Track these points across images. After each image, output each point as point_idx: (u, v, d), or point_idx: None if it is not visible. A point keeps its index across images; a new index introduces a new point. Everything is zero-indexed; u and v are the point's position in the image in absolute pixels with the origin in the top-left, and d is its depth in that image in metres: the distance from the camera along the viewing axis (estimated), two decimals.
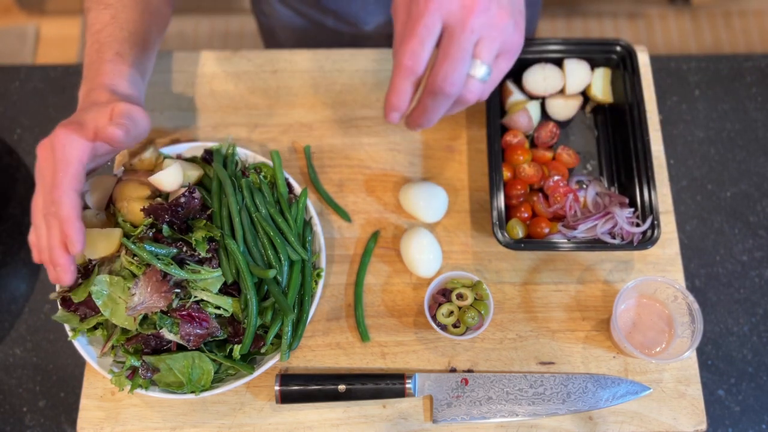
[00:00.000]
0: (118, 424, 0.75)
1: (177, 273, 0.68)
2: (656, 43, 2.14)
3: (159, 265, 0.67)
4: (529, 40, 0.88)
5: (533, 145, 0.88)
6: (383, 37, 1.05)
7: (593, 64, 0.89)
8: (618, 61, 0.87)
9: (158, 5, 0.83)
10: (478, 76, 0.57)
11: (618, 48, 0.87)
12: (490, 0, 0.55)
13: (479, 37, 0.56)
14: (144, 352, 0.71)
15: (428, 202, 0.81)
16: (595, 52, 0.88)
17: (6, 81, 0.98)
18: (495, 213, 0.78)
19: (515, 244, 0.77)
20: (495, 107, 0.84)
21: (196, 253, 0.70)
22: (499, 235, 0.77)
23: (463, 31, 0.55)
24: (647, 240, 0.77)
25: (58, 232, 0.63)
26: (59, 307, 0.72)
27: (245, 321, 0.71)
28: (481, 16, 0.55)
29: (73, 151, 0.64)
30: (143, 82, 0.77)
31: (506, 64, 0.60)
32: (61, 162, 0.64)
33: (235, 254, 0.72)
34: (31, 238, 0.66)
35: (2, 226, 0.90)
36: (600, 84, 0.88)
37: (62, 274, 0.63)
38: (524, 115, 0.85)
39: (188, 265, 0.70)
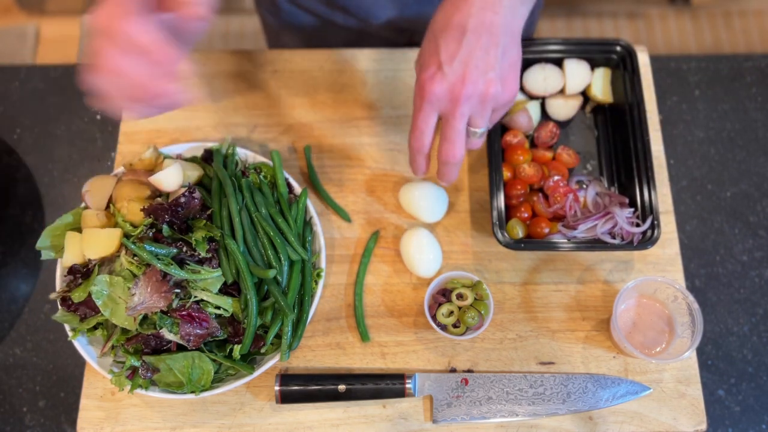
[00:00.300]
0: (118, 424, 0.75)
1: (177, 273, 0.68)
2: (656, 43, 2.14)
3: (159, 265, 0.67)
4: (530, 40, 0.88)
5: (533, 145, 0.88)
6: (392, 31, 1.04)
7: (593, 64, 0.89)
8: (618, 61, 0.87)
9: None
10: (477, 137, 0.69)
11: (618, 48, 0.87)
12: (475, 81, 0.63)
13: (470, 114, 0.66)
14: (144, 352, 0.71)
15: (428, 202, 0.81)
16: (595, 52, 0.88)
17: (6, 81, 0.98)
18: (495, 213, 0.78)
19: (515, 244, 0.77)
20: None
21: (196, 253, 0.70)
22: (499, 235, 0.77)
23: (455, 118, 0.65)
24: (647, 240, 0.77)
25: (145, 65, 0.56)
26: (59, 307, 0.72)
27: (245, 321, 0.71)
28: (467, 102, 0.64)
29: None
30: None
31: (500, 114, 0.72)
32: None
33: (235, 254, 0.72)
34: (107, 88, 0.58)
35: (2, 226, 0.90)
36: (600, 84, 0.88)
37: (175, 98, 0.58)
38: (524, 115, 0.85)
39: (188, 265, 0.70)
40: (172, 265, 0.68)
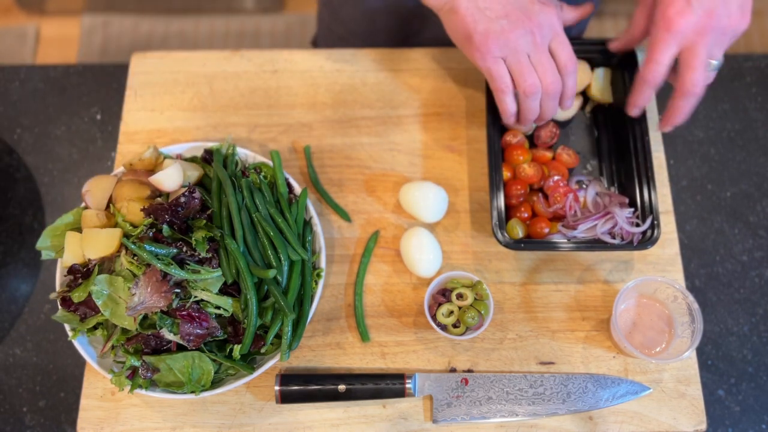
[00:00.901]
0: (118, 424, 0.75)
1: (177, 273, 0.68)
2: None
3: (159, 265, 0.67)
4: None
5: (533, 145, 0.88)
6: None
7: (593, 64, 0.89)
8: (618, 61, 0.87)
9: None
10: (713, 68, 0.73)
11: None
12: (721, 14, 0.69)
13: (713, 45, 0.70)
14: (144, 352, 0.71)
15: (428, 202, 0.81)
16: (595, 52, 0.88)
17: (6, 81, 0.98)
18: (495, 213, 0.78)
19: (515, 244, 0.77)
20: (496, 107, 0.84)
21: (196, 253, 0.70)
22: (499, 235, 0.77)
23: (701, 49, 0.70)
24: (647, 240, 0.77)
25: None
26: (59, 307, 0.72)
27: (245, 321, 0.71)
28: (713, 34, 0.69)
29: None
30: None
31: (731, 43, 0.75)
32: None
33: (235, 254, 0.72)
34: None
35: (2, 226, 0.90)
36: (600, 84, 0.88)
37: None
38: None
39: (188, 265, 0.70)
40: (172, 265, 0.68)
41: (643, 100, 0.78)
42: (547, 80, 0.74)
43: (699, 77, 0.71)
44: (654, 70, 0.73)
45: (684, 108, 0.75)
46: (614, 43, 0.84)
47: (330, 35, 1.17)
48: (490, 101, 0.84)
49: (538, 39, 0.73)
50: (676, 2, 0.69)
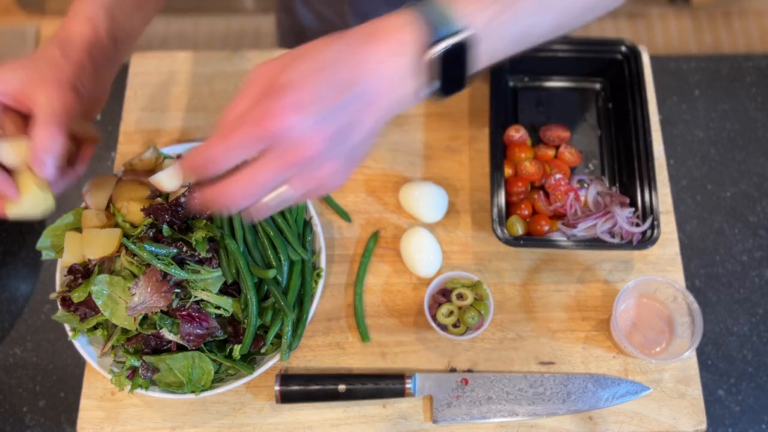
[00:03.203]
0: (118, 424, 0.75)
1: (177, 273, 0.68)
2: (656, 43, 2.14)
3: (159, 265, 0.67)
4: None
5: (539, 141, 0.88)
6: None
7: (596, 64, 0.89)
8: (622, 61, 0.87)
9: None
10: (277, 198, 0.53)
11: (623, 48, 0.87)
12: (326, 151, 0.49)
13: (291, 176, 0.51)
14: (144, 352, 0.71)
15: (428, 202, 0.81)
16: (599, 52, 0.88)
17: None
18: (495, 210, 0.78)
19: (514, 241, 0.77)
20: (499, 102, 0.84)
21: (196, 253, 0.70)
22: (499, 232, 0.77)
23: (269, 166, 0.50)
24: (647, 240, 0.77)
25: None
26: (59, 307, 0.72)
27: (245, 321, 0.71)
28: (299, 164, 0.50)
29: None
30: (113, 23, 0.67)
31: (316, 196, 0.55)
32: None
33: (235, 254, 0.72)
34: None
35: (2, 226, 0.90)
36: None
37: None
38: None
39: (188, 264, 0.70)
40: (172, 265, 0.68)
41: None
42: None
43: (241, 191, 0.50)
44: (221, 159, 0.49)
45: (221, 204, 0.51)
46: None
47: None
48: (492, 98, 0.84)
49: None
50: (295, 98, 0.48)
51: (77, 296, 0.68)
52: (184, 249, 0.70)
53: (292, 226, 0.77)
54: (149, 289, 0.67)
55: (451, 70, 0.51)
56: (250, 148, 0.49)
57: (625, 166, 0.84)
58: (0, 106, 0.62)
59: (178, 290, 0.68)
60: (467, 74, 0.53)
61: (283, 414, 0.75)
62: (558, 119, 0.90)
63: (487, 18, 0.51)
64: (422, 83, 0.52)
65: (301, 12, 1.07)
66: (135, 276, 0.68)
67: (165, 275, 0.68)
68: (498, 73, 0.85)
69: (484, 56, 0.54)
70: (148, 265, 0.68)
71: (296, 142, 0.48)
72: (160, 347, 0.71)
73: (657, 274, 0.81)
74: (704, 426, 0.75)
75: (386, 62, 0.50)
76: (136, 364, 0.70)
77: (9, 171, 0.63)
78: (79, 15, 0.65)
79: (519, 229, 0.80)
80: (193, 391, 0.70)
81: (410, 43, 0.50)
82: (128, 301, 0.67)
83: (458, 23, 0.50)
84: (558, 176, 0.83)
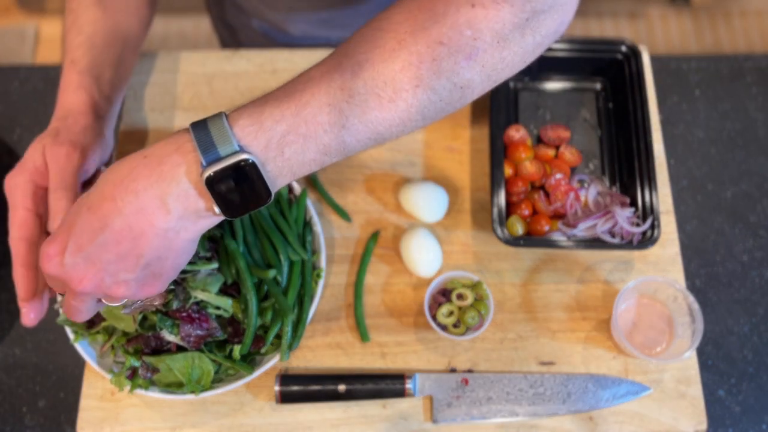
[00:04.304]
0: (118, 424, 0.75)
1: None
2: (656, 43, 2.14)
3: None
4: None
5: (539, 140, 0.88)
6: None
7: (596, 64, 0.89)
8: (622, 61, 0.87)
9: None
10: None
11: (623, 48, 0.87)
12: (98, 280, 0.52)
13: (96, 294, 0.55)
14: (144, 352, 0.71)
15: (428, 202, 0.81)
16: (599, 52, 0.88)
17: (6, 81, 0.98)
18: (495, 209, 0.78)
19: (514, 241, 0.77)
20: (499, 102, 0.84)
21: (196, 252, 0.70)
22: (499, 232, 0.77)
23: (72, 297, 0.55)
24: (647, 240, 0.77)
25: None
26: (60, 313, 0.71)
27: (245, 321, 0.71)
28: (84, 293, 0.54)
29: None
30: (100, 81, 0.73)
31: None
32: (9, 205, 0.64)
33: (235, 254, 0.72)
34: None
35: (2, 226, 0.89)
36: None
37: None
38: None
39: None
40: None
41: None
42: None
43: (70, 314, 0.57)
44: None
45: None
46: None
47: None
48: (492, 98, 0.84)
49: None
50: (55, 240, 0.52)
51: None
52: None
53: (292, 226, 0.77)
54: None
55: (229, 193, 0.49)
56: (53, 283, 0.55)
57: (625, 166, 0.84)
58: (37, 191, 0.65)
59: (173, 287, 0.68)
60: (248, 195, 0.50)
61: (283, 414, 0.75)
62: (558, 119, 0.90)
63: (266, 140, 0.49)
64: (201, 205, 0.50)
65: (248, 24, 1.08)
66: None
67: None
68: None
69: (281, 173, 0.51)
70: None
71: (64, 280, 0.52)
72: (160, 348, 0.71)
73: (657, 274, 0.81)
74: (704, 426, 0.75)
75: (147, 191, 0.49)
76: (136, 364, 0.70)
77: None
78: (72, 86, 0.71)
79: (519, 229, 0.80)
80: (192, 392, 0.70)
81: (183, 165, 0.48)
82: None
83: (233, 146, 0.48)
84: (558, 176, 0.83)
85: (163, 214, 0.49)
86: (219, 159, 0.48)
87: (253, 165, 0.48)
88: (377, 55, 0.50)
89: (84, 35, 0.72)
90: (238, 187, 0.49)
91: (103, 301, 0.57)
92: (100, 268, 0.51)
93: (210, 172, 0.48)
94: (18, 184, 0.64)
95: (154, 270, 0.53)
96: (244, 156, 0.48)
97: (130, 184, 0.49)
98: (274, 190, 0.51)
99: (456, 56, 0.50)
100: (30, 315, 0.64)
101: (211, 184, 0.48)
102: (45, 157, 0.65)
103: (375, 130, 0.51)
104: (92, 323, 0.71)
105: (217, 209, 0.50)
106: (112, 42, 0.75)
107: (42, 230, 0.65)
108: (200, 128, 0.49)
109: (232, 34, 1.11)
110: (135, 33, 0.80)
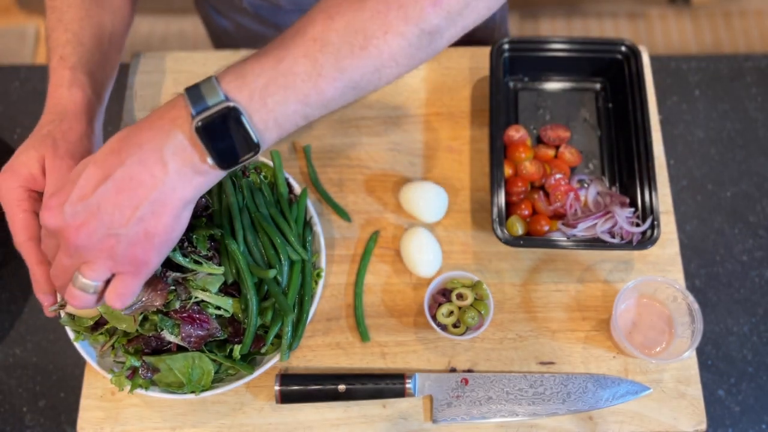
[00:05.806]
0: (118, 424, 0.75)
1: (179, 259, 0.67)
2: (656, 43, 2.14)
3: None
4: (533, 40, 0.88)
5: (539, 141, 0.88)
6: None
7: (596, 64, 0.89)
8: (622, 61, 0.87)
9: None
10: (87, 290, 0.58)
11: (623, 48, 0.87)
12: (92, 233, 0.54)
13: (81, 262, 0.56)
14: (144, 352, 0.71)
15: (428, 202, 0.81)
16: (598, 52, 0.88)
17: (6, 81, 0.98)
18: (495, 209, 0.78)
19: (514, 241, 0.77)
20: (499, 102, 0.84)
21: (197, 250, 0.70)
22: (499, 231, 0.77)
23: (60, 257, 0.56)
24: (647, 240, 0.77)
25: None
26: (61, 315, 0.71)
27: (245, 321, 0.71)
28: (78, 250, 0.55)
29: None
30: (92, 79, 0.73)
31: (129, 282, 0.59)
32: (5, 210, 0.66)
33: (236, 254, 0.72)
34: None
35: (2, 227, 0.90)
36: None
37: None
38: None
39: (192, 256, 0.69)
40: (175, 250, 0.67)
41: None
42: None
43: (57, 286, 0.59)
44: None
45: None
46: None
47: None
48: (492, 98, 0.84)
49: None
50: (58, 193, 0.54)
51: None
52: (185, 245, 0.69)
53: (292, 226, 0.77)
54: (145, 287, 0.67)
55: (219, 141, 0.52)
56: (48, 244, 0.58)
57: (625, 166, 0.84)
58: (31, 194, 0.67)
59: (174, 287, 0.67)
60: (237, 144, 0.53)
61: (283, 414, 0.75)
62: (558, 119, 0.90)
63: (249, 92, 0.53)
64: (196, 158, 0.53)
65: (217, 19, 1.08)
66: None
67: (162, 272, 0.67)
68: (498, 73, 0.86)
69: (267, 126, 0.54)
70: None
71: (62, 229, 0.54)
72: (161, 348, 0.71)
73: (657, 274, 0.81)
74: (704, 426, 0.75)
75: (148, 144, 0.52)
76: (136, 364, 0.70)
77: None
78: (64, 82, 0.71)
79: (519, 229, 0.80)
80: (193, 391, 0.70)
81: (178, 119, 0.52)
82: None
83: (219, 96, 0.52)
84: (558, 176, 0.83)
85: (161, 166, 0.52)
86: (207, 108, 0.51)
87: (238, 110, 0.52)
88: (347, 6, 0.53)
89: (71, 33, 0.73)
90: (227, 134, 0.52)
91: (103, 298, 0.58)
92: (97, 218, 0.53)
93: (199, 120, 0.51)
94: (12, 188, 0.66)
95: (147, 227, 0.54)
96: (229, 104, 0.52)
97: (133, 138, 0.53)
98: (263, 144, 0.54)
99: (422, 2, 0.53)
100: (52, 305, 0.67)
101: (201, 132, 0.52)
102: (42, 167, 0.66)
103: (350, 78, 0.54)
104: (96, 326, 0.71)
105: (210, 160, 0.53)
106: (98, 40, 0.75)
107: None
108: (192, 87, 0.53)
109: (219, 23, 1.11)
110: (119, 32, 0.81)
